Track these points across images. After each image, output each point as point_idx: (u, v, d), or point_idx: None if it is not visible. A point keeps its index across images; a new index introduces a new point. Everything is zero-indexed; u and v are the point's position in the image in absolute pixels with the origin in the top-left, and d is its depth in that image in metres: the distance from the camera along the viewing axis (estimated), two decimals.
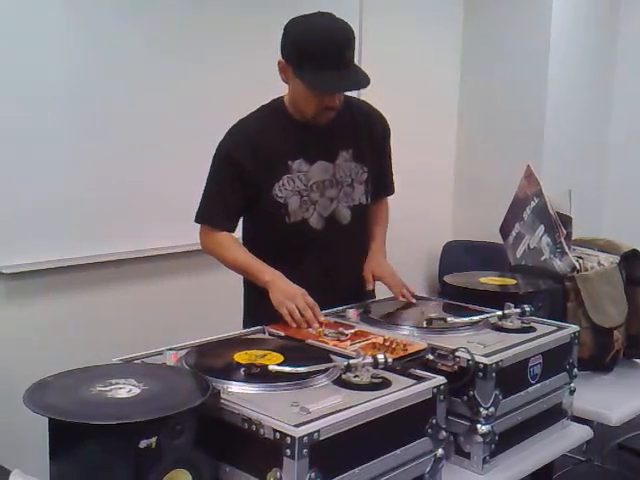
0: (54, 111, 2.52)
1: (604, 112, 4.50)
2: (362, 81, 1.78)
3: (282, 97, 1.94)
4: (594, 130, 4.46)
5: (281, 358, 1.40)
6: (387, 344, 1.52)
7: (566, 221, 2.14)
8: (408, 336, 1.61)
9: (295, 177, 1.89)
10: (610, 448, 2.91)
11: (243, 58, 3.02)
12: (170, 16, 2.82)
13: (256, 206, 1.92)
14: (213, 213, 1.93)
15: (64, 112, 2.54)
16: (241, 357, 1.40)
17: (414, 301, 1.93)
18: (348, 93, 1.94)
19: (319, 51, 1.73)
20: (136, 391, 1.18)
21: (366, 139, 2.00)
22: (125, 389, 1.18)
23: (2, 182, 2.40)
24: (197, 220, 1.95)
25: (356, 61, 3.62)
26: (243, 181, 1.88)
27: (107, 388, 1.18)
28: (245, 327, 1.91)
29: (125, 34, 2.70)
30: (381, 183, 2.11)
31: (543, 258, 2.15)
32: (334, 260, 1.97)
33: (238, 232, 2.00)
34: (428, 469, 1.33)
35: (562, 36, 4.00)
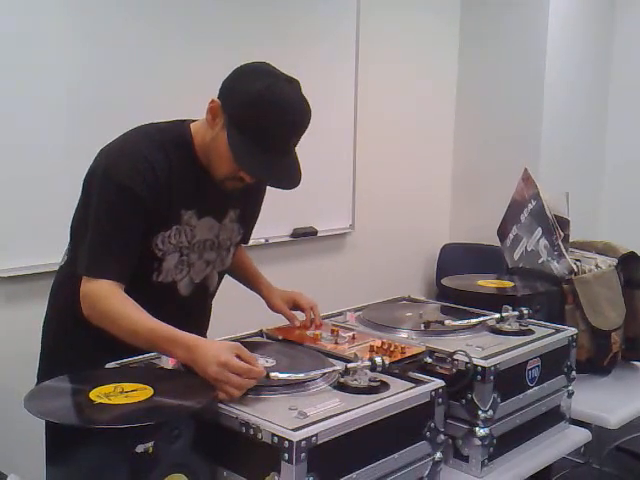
0: (57, 112, 2.50)
1: (601, 113, 4.51)
2: (297, 179, 1.49)
3: (189, 125, 1.58)
4: (591, 132, 4.47)
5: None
6: (385, 347, 1.51)
7: (564, 223, 2.15)
8: (406, 339, 1.61)
9: (183, 230, 1.57)
10: (608, 451, 2.91)
11: (257, 57, 3.01)
12: (180, 14, 2.80)
13: None
14: (111, 262, 1.45)
15: (67, 113, 2.52)
16: None
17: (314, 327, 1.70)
18: None
19: (275, 132, 1.43)
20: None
21: (253, 201, 1.76)
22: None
23: (1, 185, 2.39)
24: (88, 273, 1.45)
25: (352, 63, 3.63)
26: (141, 219, 1.49)
27: None
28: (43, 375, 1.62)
29: (134, 33, 2.68)
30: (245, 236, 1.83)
31: (541, 261, 2.15)
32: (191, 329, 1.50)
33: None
34: (426, 473, 1.32)
35: (559, 36, 4.01)
